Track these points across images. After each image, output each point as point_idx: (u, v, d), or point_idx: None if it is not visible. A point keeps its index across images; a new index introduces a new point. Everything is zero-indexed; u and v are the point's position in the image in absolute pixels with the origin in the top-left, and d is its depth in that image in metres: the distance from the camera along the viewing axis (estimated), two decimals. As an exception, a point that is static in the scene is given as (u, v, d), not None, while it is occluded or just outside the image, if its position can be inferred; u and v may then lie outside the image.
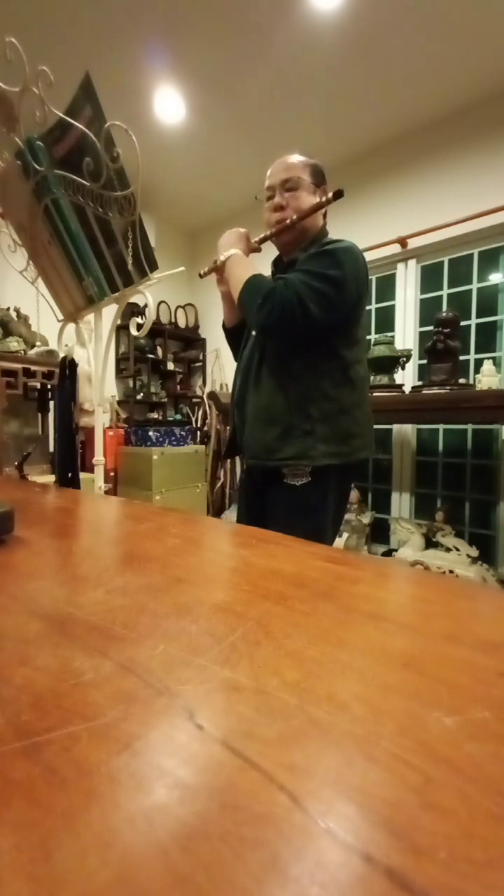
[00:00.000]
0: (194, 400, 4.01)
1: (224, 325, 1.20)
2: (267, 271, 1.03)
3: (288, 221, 0.96)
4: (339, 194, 0.89)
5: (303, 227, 0.97)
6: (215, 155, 2.95)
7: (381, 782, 0.15)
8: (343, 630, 0.28)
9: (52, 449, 2.20)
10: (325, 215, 1.04)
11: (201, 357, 4.08)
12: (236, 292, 0.95)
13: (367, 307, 2.95)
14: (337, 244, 0.93)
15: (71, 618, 0.29)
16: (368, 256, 2.77)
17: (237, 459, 1.14)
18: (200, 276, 1.13)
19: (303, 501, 0.93)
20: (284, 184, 0.98)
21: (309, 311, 0.85)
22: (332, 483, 0.95)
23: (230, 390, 1.16)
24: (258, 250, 1.05)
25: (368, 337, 2.96)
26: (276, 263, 1.11)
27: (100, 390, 1.26)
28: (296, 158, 1.01)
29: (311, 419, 0.92)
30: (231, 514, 3.07)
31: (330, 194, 0.91)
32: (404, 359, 2.29)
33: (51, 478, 1.91)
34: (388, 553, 2.49)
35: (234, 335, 1.16)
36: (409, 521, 2.50)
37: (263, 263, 1.06)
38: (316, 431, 0.91)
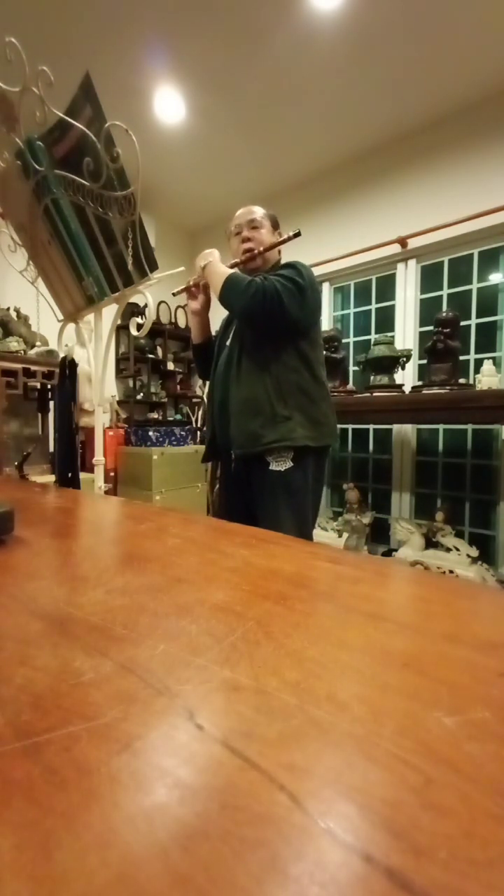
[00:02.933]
0: (194, 400, 4.01)
1: (192, 343, 1.38)
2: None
3: (256, 251, 1.16)
4: (297, 234, 1.12)
5: (265, 258, 1.19)
6: (215, 155, 2.95)
7: (381, 782, 0.15)
8: (343, 630, 0.28)
9: (52, 449, 2.20)
10: (279, 251, 1.25)
11: (192, 357, 4.07)
12: (218, 286, 1.11)
13: (368, 307, 2.98)
14: (293, 262, 1.13)
15: (71, 618, 0.29)
16: (368, 256, 2.83)
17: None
18: (174, 294, 1.31)
19: (287, 483, 1.08)
20: (250, 223, 1.20)
21: (283, 302, 1.03)
22: (310, 465, 1.10)
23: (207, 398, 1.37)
24: None
25: (368, 337, 2.96)
26: None
27: (100, 390, 1.26)
28: (257, 209, 1.23)
29: (288, 406, 1.07)
30: (231, 514, 3.06)
31: (291, 233, 1.13)
32: (404, 359, 2.29)
33: (51, 478, 1.91)
34: (388, 553, 2.49)
35: (202, 351, 1.34)
36: (409, 521, 2.50)
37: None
38: (294, 417, 1.07)
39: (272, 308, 1.03)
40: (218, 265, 1.16)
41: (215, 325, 1.33)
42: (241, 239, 1.20)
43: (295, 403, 1.08)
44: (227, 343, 1.20)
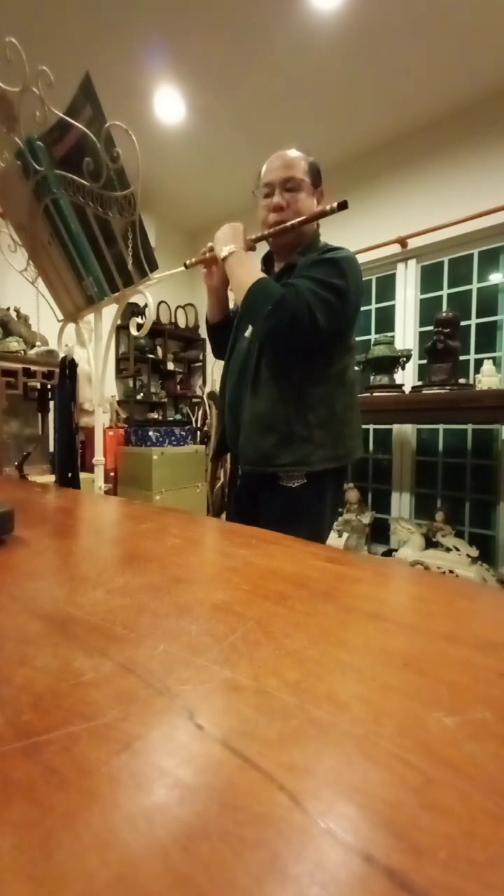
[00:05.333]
0: (194, 400, 4.01)
1: (207, 321, 1.19)
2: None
3: (289, 224, 0.93)
4: (343, 205, 0.87)
5: (300, 230, 0.96)
6: (215, 155, 2.95)
7: (381, 782, 0.15)
8: (343, 630, 0.28)
9: (52, 449, 2.20)
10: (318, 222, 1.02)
11: (201, 357, 4.08)
12: (242, 291, 0.92)
13: (367, 307, 2.97)
14: (339, 252, 0.93)
15: (71, 618, 0.29)
16: (368, 256, 2.82)
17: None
18: (186, 266, 1.09)
19: (299, 503, 0.93)
20: (285, 183, 0.95)
21: (316, 321, 0.85)
22: (329, 484, 0.96)
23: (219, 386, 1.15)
24: (253, 249, 1.02)
25: (368, 337, 2.96)
26: (265, 262, 1.08)
27: (100, 390, 1.26)
28: (296, 153, 0.97)
29: (309, 426, 0.91)
30: (231, 514, 3.07)
31: (335, 204, 0.88)
32: (404, 359, 2.29)
33: (51, 478, 1.91)
34: (388, 553, 2.49)
35: (217, 331, 1.15)
36: (409, 521, 2.50)
37: (254, 260, 1.01)
38: (314, 437, 0.92)
39: (301, 330, 0.85)
40: (241, 261, 0.95)
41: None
42: (273, 206, 0.96)
43: (317, 421, 0.92)
44: (247, 335, 1.01)
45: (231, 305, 1.16)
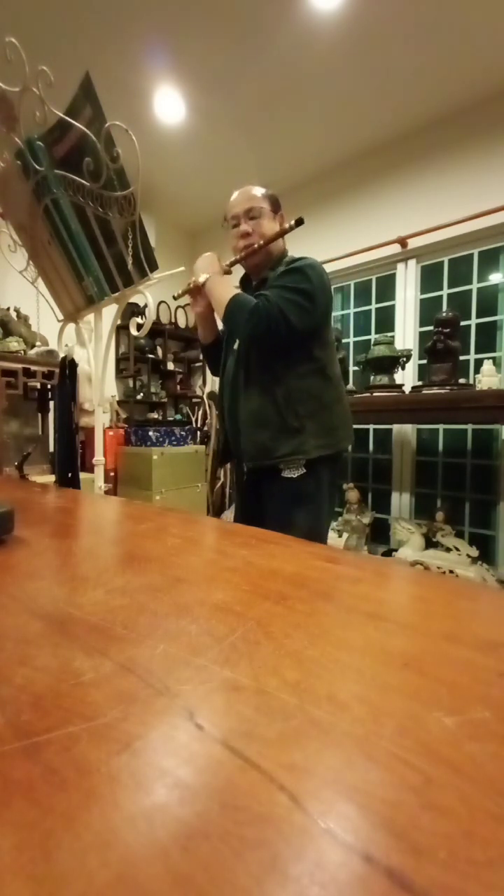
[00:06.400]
0: (194, 400, 4.01)
1: (200, 343, 1.29)
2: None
3: (255, 246, 1.06)
4: (300, 222, 1.00)
5: (267, 250, 1.08)
6: (215, 155, 2.95)
7: (381, 782, 0.15)
8: (343, 630, 0.28)
9: (52, 449, 2.20)
10: (284, 239, 1.13)
11: (201, 357, 4.07)
12: (221, 308, 1.05)
13: (367, 307, 2.98)
14: (302, 261, 1.04)
15: (71, 618, 0.29)
16: (368, 256, 2.82)
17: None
18: (175, 297, 1.22)
19: (300, 491, 1.02)
20: (248, 213, 1.08)
21: (290, 321, 0.96)
22: (325, 472, 1.05)
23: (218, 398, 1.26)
24: (229, 272, 1.13)
25: (368, 337, 2.96)
26: (243, 282, 1.20)
27: (100, 390, 1.26)
28: (255, 190, 1.10)
29: (299, 417, 1.01)
30: (231, 514, 3.07)
31: (293, 222, 1.01)
32: (404, 359, 2.29)
33: (51, 478, 1.91)
34: (388, 553, 2.49)
35: (212, 351, 1.26)
36: (409, 521, 2.50)
37: (231, 282, 1.12)
38: (305, 428, 1.01)
39: (277, 330, 0.96)
40: (218, 282, 1.08)
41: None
42: (240, 234, 1.09)
43: (306, 412, 1.02)
44: (235, 346, 1.13)
45: (220, 327, 1.27)
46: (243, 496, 1.19)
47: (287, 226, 1.04)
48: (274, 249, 1.10)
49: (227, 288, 1.06)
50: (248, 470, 1.11)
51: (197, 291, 1.15)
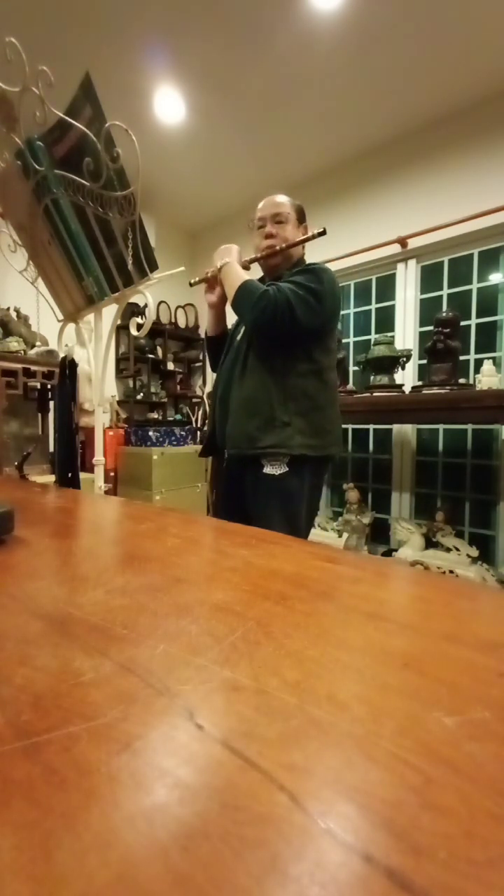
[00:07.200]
0: (194, 400, 4.01)
1: (206, 334, 1.32)
2: None
3: (277, 248, 1.11)
4: (322, 233, 1.06)
5: (287, 254, 1.14)
6: (215, 155, 2.95)
7: (381, 782, 0.15)
8: (343, 630, 0.28)
9: (52, 449, 2.20)
10: (303, 248, 1.19)
11: (201, 357, 4.07)
12: (232, 291, 1.08)
13: (367, 307, 2.97)
14: (316, 265, 1.08)
15: (71, 618, 0.29)
16: (368, 256, 2.82)
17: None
18: (191, 284, 1.26)
19: (280, 488, 1.03)
20: (275, 217, 1.13)
21: (295, 313, 0.99)
22: (307, 473, 1.05)
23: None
24: (247, 269, 1.15)
25: (368, 337, 2.96)
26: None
27: (100, 390, 1.26)
28: (284, 198, 1.16)
29: (289, 412, 1.02)
30: (231, 514, 3.06)
31: (316, 231, 1.07)
32: (404, 359, 2.29)
33: (51, 478, 1.91)
34: (388, 553, 2.49)
35: (215, 344, 1.28)
36: (409, 521, 2.50)
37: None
38: (293, 423, 1.02)
39: (282, 320, 0.98)
40: (235, 267, 1.11)
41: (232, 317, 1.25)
42: (265, 234, 1.14)
43: (297, 409, 1.03)
44: (238, 339, 1.15)
45: (228, 324, 1.30)
46: (222, 489, 1.21)
47: (310, 234, 1.10)
48: (293, 255, 1.15)
49: (241, 275, 1.09)
50: (227, 457, 1.10)
51: (214, 281, 1.18)
